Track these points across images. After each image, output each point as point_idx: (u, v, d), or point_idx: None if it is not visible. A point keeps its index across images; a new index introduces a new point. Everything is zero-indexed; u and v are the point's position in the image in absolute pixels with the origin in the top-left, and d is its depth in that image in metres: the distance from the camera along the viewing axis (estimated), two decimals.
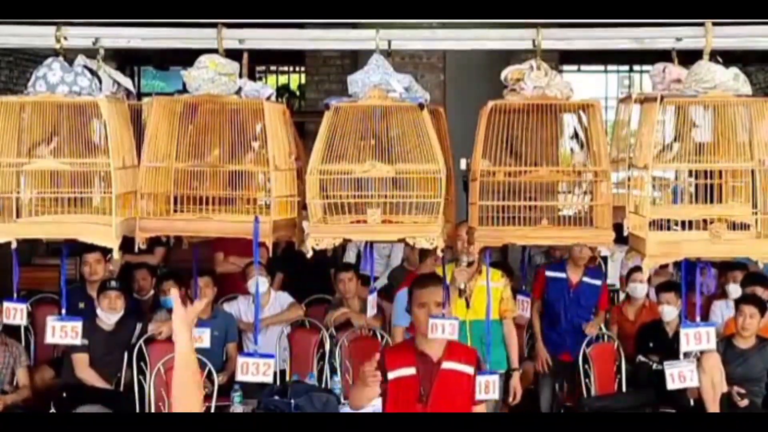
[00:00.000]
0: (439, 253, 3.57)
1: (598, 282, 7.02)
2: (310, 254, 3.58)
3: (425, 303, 4.05)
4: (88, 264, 6.81)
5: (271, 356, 4.14)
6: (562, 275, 6.94)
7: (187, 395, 2.98)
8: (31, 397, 6.40)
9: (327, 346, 6.76)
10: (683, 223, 3.82)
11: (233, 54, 4.32)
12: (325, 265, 7.63)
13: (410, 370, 4.06)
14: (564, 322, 6.89)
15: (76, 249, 6.31)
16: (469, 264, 5.85)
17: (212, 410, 5.89)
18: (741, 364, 6.46)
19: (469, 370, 4.14)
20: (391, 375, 4.03)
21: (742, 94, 3.79)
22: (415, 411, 4.01)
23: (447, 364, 4.10)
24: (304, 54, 10.93)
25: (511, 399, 6.07)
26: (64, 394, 6.25)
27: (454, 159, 3.99)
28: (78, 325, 4.25)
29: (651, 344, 6.75)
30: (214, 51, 4.06)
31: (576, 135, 4.01)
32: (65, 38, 4.07)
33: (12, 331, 6.59)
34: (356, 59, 8.09)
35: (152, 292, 7.31)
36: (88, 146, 3.79)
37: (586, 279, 6.95)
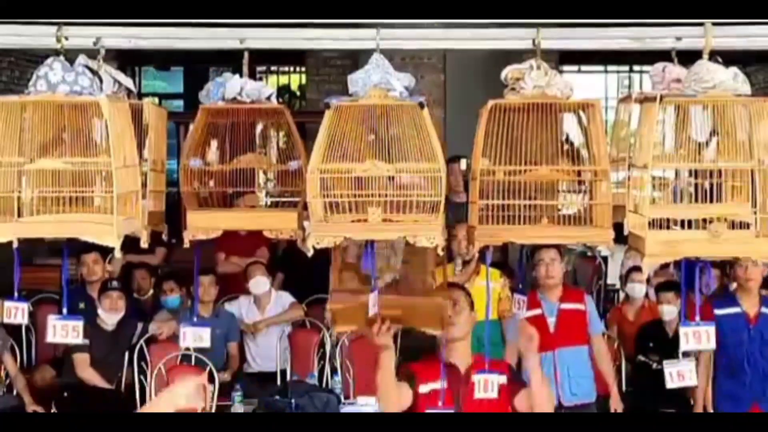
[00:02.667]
0: (440, 252, 3.57)
1: None
2: (310, 253, 3.59)
3: None
4: (86, 265, 6.82)
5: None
6: (737, 309, 5.62)
7: None
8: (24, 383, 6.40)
9: (327, 346, 6.77)
10: (683, 222, 3.83)
11: (233, 53, 4.34)
12: (327, 265, 7.64)
13: (439, 384, 3.96)
14: (748, 369, 5.52)
15: (76, 249, 6.32)
16: (466, 263, 5.85)
17: (213, 410, 5.90)
18: None
19: (502, 379, 4.01)
20: (422, 389, 3.96)
21: (742, 94, 3.80)
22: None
23: (476, 376, 3.99)
24: (305, 54, 10.94)
25: None
26: (65, 394, 6.26)
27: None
28: (79, 324, 4.26)
29: (651, 344, 6.75)
30: (214, 51, 4.07)
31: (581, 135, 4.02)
32: (66, 38, 4.08)
33: (13, 331, 6.61)
34: (356, 59, 8.08)
35: (151, 291, 7.32)
36: (89, 146, 3.80)
37: (764, 310, 5.59)
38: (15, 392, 6.41)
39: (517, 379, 4.08)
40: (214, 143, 4.30)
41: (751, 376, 5.49)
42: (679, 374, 4.37)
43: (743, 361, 5.52)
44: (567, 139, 3.98)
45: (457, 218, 5.24)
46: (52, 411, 6.13)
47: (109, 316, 6.35)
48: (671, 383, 4.36)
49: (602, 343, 6.06)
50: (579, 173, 3.96)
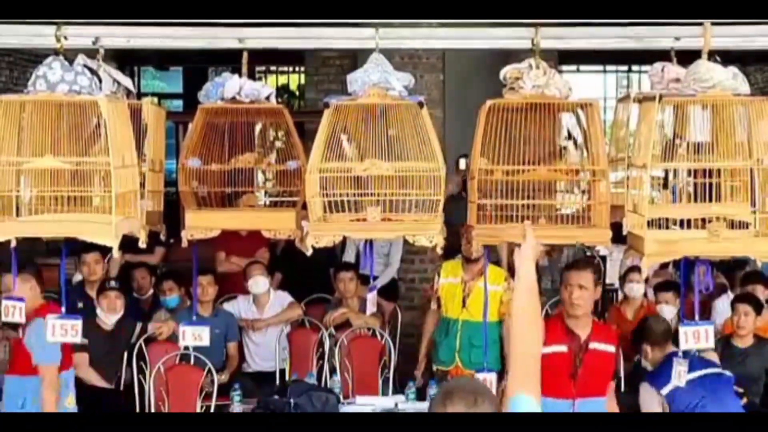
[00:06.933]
0: (439, 251, 3.57)
1: None
2: (309, 252, 3.59)
3: (570, 284, 4.38)
4: (87, 264, 6.81)
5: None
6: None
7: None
8: None
9: (326, 346, 6.76)
10: (682, 222, 3.83)
11: (232, 53, 4.33)
12: (325, 265, 7.64)
13: (562, 348, 4.40)
14: None
15: (75, 249, 6.32)
16: (472, 261, 5.83)
17: (212, 410, 5.89)
18: (739, 363, 6.46)
19: (612, 348, 4.55)
20: (545, 350, 4.04)
21: (741, 93, 3.80)
22: (567, 385, 4.44)
23: (594, 344, 4.46)
24: (304, 54, 10.93)
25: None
26: None
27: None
28: (78, 323, 4.26)
29: None
30: (214, 51, 4.07)
31: (570, 135, 4.02)
32: (65, 38, 4.08)
33: (11, 330, 6.60)
34: (356, 59, 8.08)
35: (151, 291, 7.32)
36: (87, 145, 3.80)
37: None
38: None
39: None
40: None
41: None
42: (678, 374, 4.38)
43: None
44: (570, 137, 3.97)
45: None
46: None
47: (108, 316, 6.34)
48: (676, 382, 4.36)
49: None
50: (577, 173, 3.96)
